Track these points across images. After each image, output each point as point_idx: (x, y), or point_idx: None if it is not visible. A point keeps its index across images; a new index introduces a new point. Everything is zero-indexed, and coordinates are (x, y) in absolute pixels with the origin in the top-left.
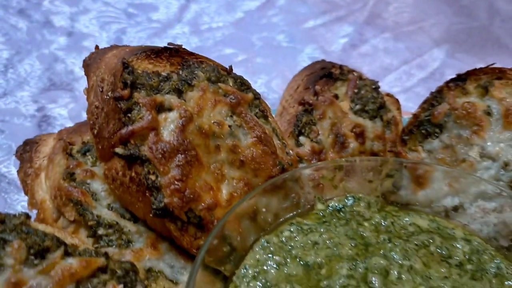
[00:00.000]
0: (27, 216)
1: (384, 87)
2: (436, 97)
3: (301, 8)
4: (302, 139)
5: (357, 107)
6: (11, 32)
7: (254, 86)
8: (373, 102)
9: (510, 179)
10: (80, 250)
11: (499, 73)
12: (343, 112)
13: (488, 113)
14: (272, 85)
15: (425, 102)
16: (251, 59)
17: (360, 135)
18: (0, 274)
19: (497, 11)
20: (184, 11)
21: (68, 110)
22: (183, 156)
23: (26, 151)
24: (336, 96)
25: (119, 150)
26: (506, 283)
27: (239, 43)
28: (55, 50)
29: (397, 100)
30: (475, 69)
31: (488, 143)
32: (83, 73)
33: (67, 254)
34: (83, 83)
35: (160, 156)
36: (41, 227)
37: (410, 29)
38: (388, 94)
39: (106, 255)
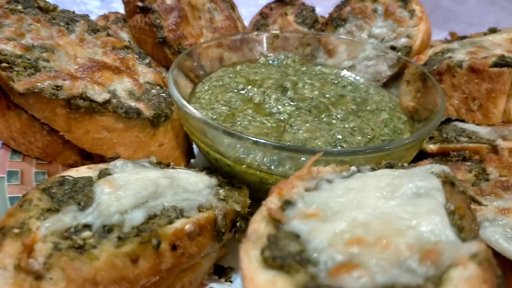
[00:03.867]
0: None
1: None
2: (344, 3)
3: None
4: None
5: (299, 20)
6: None
7: None
8: (310, 18)
9: (384, 47)
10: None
11: None
12: (289, 22)
13: (375, 11)
14: None
15: (337, 6)
16: None
17: None
18: (72, 33)
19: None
20: None
21: None
22: (177, 13)
23: None
24: (286, 14)
25: (139, 3)
26: (369, 95)
27: None
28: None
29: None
30: None
31: (374, 28)
32: None
33: (108, 35)
34: None
35: (164, 10)
36: None
37: None
38: (322, 17)
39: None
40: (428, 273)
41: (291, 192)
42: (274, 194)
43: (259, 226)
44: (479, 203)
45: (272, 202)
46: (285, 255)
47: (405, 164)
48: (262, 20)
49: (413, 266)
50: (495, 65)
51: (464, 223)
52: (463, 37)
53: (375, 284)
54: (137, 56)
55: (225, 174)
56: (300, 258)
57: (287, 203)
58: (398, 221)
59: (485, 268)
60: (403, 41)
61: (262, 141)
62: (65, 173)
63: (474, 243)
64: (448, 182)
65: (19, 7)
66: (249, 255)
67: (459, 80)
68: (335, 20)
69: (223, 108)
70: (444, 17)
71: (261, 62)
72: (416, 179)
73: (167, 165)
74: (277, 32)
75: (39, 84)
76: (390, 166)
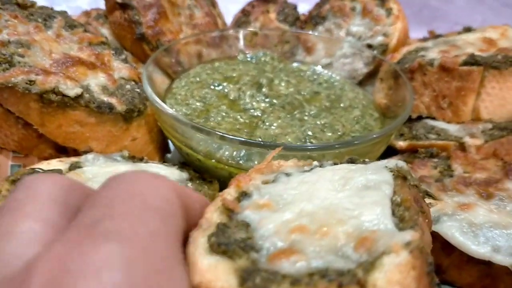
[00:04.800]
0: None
1: None
2: (323, 1)
3: None
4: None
5: (281, 18)
6: None
7: None
8: (292, 16)
9: (360, 45)
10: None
11: None
12: (271, 20)
13: (353, 9)
14: None
15: (316, 4)
16: None
17: None
18: (49, 29)
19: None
20: None
21: None
22: (156, 9)
23: None
24: (267, 11)
25: (119, 0)
26: (344, 92)
27: None
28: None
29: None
30: None
31: (351, 27)
32: None
33: (85, 31)
34: None
35: (143, 6)
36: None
37: None
38: (303, 14)
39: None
40: (361, 259)
41: (248, 184)
42: (232, 186)
43: (212, 215)
44: (434, 198)
45: (228, 193)
46: (231, 241)
47: (367, 160)
48: (244, 17)
49: (348, 253)
50: (465, 63)
51: (406, 214)
52: (438, 36)
53: (310, 268)
54: (113, 52)
55: (197, 169)
56: (245, 244)
57: (243, 195)
58: (342, 211)
59: (416, 256)
60: (379, 39)
61: (229, 136)
62: (36, 166)
63: (408, 232)
64: (401, 176)
65: None
66: (197, 242)
67: (429, 78)
68: (315, 18)
69: (198, 104)
70: (431, 16)
71: (240, 59)
72: (369, 173)
73: (140, 159)
74: (256, 29)
75: (13, 78)
76: (351, 161)
